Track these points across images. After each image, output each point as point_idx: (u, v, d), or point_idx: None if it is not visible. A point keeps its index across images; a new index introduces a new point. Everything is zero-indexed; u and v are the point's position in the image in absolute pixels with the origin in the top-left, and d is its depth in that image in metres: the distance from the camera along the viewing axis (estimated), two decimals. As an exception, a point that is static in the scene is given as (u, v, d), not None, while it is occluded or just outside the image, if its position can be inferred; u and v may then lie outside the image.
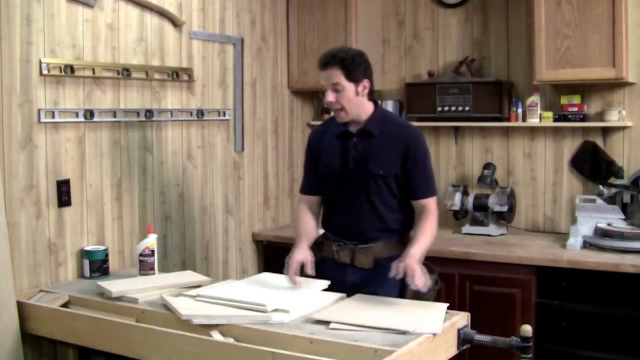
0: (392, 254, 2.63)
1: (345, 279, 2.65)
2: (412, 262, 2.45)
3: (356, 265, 2.67)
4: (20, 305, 2.62)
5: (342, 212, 2.73)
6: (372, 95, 2.70)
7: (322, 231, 2.84)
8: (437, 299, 3.14)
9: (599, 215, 3.48)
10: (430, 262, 3.46)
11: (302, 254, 2.62)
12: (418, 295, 2.58)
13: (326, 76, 2.59)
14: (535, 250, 3.39)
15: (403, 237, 2.72)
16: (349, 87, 2.58)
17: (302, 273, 2.63)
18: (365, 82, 2.62)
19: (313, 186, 2.82)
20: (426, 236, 2.61)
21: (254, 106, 4.02)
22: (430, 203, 2.68)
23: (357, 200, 2.69)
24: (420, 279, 2.42)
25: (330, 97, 2.59)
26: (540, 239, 3.66)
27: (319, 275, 2.65)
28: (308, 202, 2.83)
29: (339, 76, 2.57)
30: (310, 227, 2.78)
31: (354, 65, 2.58)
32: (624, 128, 3.65)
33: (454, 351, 2.24)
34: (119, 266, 3.16)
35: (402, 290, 2.61)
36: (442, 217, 4.10)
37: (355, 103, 2.62)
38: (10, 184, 2.71)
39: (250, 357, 2.05)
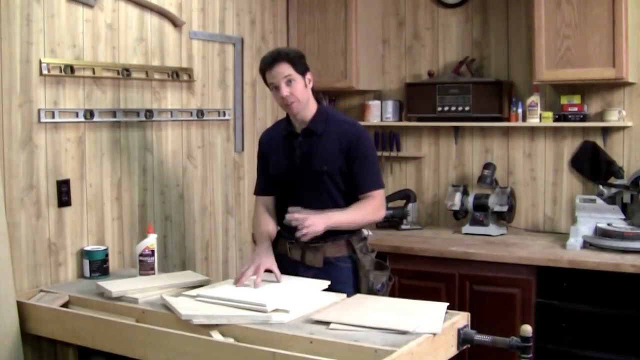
0: (342, 254, 2.74)
1: (298, 276, 2.69)
2: (314, 218, 2.54)
3: (307, 264, 2.73)
4: (20, 305, 2.62)
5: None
6: (317, 95, 2.83)
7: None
8: (437, 298, 3.15)
9: (599, 215, 3.48)
10: (431, 262, 3.50)
11: (270, 259, 2.66)
12: (372, 292, 2.67)
13: (277, 72, 2.67)
14: (535, 250, 3.40)
15: (351, 237, 2.75)
16: (299, 79, 2.68)
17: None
18: (309, 75, 2.74)
19: (267, 187, 2.90)
20: (356, 212, 2.68)
21: (254, 106, 4.02)
22: (376, 195, 2.73)
23: (305, 199, 2.75)
24: (307, 229, 2.52)
25: (285, 91, 2.66)
26: (540, 239, 3.66)
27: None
28: (264, 203, 2.90)
29: (289, 69, 2.67)
30: (271, 228, 2.84)
31: (297, 59, 2.71)
32: (624, 128, 3.65)
33: (454, 351, 2.23)
34: (119, 266, 3.16)
35: (356, 289, 2.68)
36: (442, 217, 4.16)
37: (305, 95, 2.72)
38: (10, 184, 2.70)
39: (250, 357, 2.04)
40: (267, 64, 2.69)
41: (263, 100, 4.08)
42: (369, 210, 2.69)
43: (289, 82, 2.66)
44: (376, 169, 2.79)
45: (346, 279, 2.71)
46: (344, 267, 2.73)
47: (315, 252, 2.73)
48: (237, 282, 2.57)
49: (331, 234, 2.69)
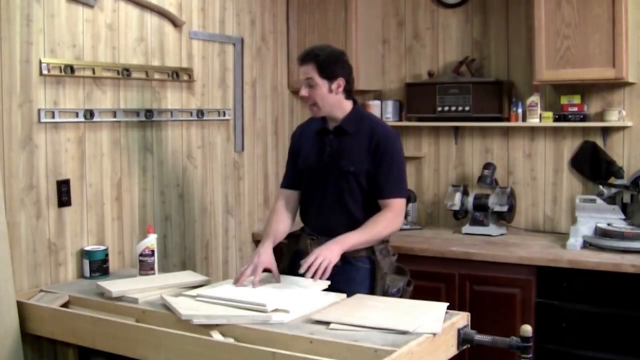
0: (361, 254, 2.71)
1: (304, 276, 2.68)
2: (325, 250, 2.50)
3: None
4: (20, 305, 2.62)
5: (315, 208, 2.81)
6: (351, 95, 2.78)
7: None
8: (437, 298, 3.15)
9: (599, 215, 3.48)
10: (431, 262, 3.50)
11: (269, 258, 2.64)
12: (387, 295, 2.63)
13: (302, 71, 2.71)
14: (535, 250, 3.39)
15: None
16: (322, 83, 2.68)
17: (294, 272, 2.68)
18: (340, 81, 2.70)
19: (292, 181, 2.90)
20: (369, 229, 2.64)
21: (254, 106, 4.02)
22: (394, 203, 2.69)
23: (329, 196, 2.75)
24: (317, 274, 2.46)
25: (303, 91, 2.70)
26: (540, 239, 3.66)
27: (293, 267, 2.71)
28: (286, 197, 2.89)
29: (312, 72, 2.67)
30: (281, 227, 2.82)
31: (328, 62, 2.68)
32: (624, 128, 3.65)
33: (454, 351, 2.23)
34: (119, 266, 3.16)
35: (371, 290, 2.66)
36: (442, 217, 4.16)
37: (329, 100, 2.70)
38: (10, 184, 2.71)
39: (250, 357, 2.04)
40: (298, 59, 2.74)
41: (263, 100, 4.08)
42: (383, 225, 2.66)
43: (309, 85, 2.68)
44: (401, 177, 2.75)
45: (363, 279, 2.70)
46: (362, 268, 2.71)
47: None
48: (236, 282, 2.57)
49: (351, 231, 2.66)
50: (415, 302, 2.47)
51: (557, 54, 3.47)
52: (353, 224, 2.67)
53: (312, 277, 2.48)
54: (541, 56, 3.50)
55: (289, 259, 2.85)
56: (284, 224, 2.83)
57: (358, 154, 2.71)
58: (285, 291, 2.50)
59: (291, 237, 2.91)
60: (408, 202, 4.05)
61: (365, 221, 2.67)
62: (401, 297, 2.65)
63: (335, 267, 2.62)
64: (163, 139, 3.41)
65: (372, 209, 2.71)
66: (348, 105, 2.77)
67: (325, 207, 2.77)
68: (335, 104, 2.73)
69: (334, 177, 2.73)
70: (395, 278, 2.71)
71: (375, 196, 2.71)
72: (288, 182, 2.92)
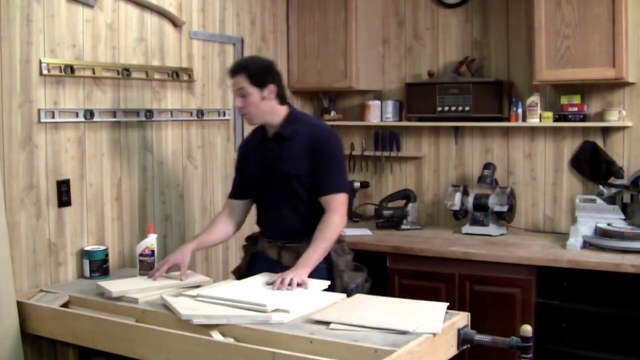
0: None
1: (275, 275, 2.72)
2: (292, 273, 2.56)
3: (283, 263, 2.78)
4: (20, 305, 2.62)
5: (268, 214, 2.89)
6: (285, 100, 2.83)
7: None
8: (437, 298, 3.15)
9: (599, 215, 3.47)
10: (431, 262, 3.50)
11: (180, 257, 2.77)
12: (346, 291, 2.68)
13: (233, 83, 2.79)
14: (535, 250, 3.39)
15: None
16: (254, 91, 2.73)
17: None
18: (271, 87, 2.75)
19: (238, 191, 2.98)
20: (321, 241, 2.68)
21: (254, 106, 4.01)
22: (334, 199, 2.74)
23: (279, 201, 2.82)
24: (292, 283, 2.53)
25: (238, 102, 2.78)
26: (540, 239, 3.66)
27: (251, 269, 2.82)
28: (231, 207, 2.99)
29: (243, 82, 2.73)
30: (210, 236, 2.94)
31: (257, 71, 2.74)
32: (624, 128, 3.65)
33: (454, 351, 2.24)
34: (119, 266, 3.16)
35: (331, 288, 2.68)
36: (442, 217, 4.16)
37: (262, 107, 2.76)
38: (10, 184, 2.71)
39: (250, 357, 2.05)
40: (229, 72, 2.80)
41: (263, 100, 4.08)
42: (332, 229, 2.69)
43: (242, 95, 2.74)
44: (340, 173, 2.80)
45: (322, 278, 2.71)
46: (320, 267, 2.73)
47: (291, 252, 2.78)
48: (152, 275, 2.73)
49: (306, 235, 2.73)
50: (415, 302, 2.47)
51: (557, 54, 3.47)
52: (307, 224, 2.74)
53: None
54: (541, 56, 3.50)
55: (248, 260, 2.97)
56: (216, 233, 2.94)
57: (298, 156, 2.75)
58: (285, 291, 2.49)
59: (250, 239, 3.02)
60: (408, 202, 4.06)
61: (318, 220, 2.71)
62: (360, 292, 2.72)
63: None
64: (163, 139, 3.41)
65: (322, 210, 2.75)
66: (283, 111, 2.82)
67: (277, 212, 2.83)
68: (268, 110, 2.77)
69: (278, 182, 2.79)
70: (352, 275, 2.78)
71: (316, 195, 2.75)
72: (233, 193, 3.00)
